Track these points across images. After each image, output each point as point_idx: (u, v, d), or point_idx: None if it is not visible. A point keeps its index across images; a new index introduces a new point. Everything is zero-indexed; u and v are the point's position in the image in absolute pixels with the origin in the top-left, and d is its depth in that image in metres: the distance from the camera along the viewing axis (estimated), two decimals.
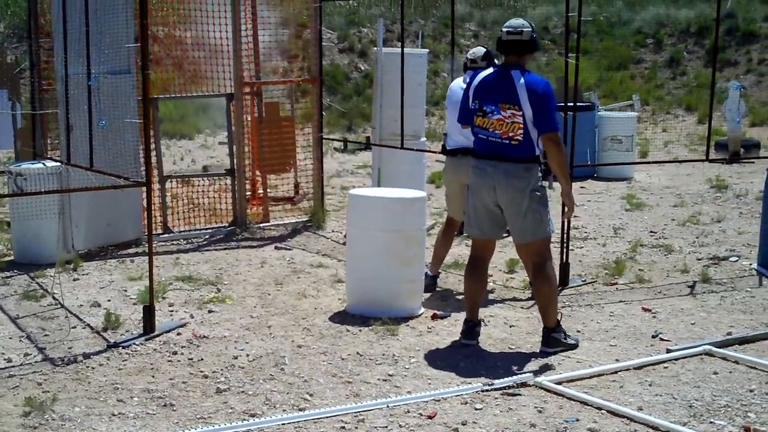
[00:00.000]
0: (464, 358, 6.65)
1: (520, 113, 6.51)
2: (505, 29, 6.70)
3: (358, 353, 6.68)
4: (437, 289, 8.51)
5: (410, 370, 6.37)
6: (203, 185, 11.86)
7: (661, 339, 7.16)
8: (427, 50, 12.96)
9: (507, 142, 6.58)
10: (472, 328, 6.94)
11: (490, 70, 6.80)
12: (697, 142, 19.55)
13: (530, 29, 6.67)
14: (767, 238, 9.40)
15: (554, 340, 6.81)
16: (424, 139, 11.68)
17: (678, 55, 26.76)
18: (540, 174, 6.68)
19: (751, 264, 9.53)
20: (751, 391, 6.04)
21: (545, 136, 6.53)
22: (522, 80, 6.55)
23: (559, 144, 6.59)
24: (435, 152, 12.31)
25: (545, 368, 6.45)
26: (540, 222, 6.68)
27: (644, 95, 23.73)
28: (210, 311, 7.70)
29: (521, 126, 6.53)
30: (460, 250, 9.71)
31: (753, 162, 16.36)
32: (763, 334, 7.20)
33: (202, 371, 6.28)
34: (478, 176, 6.75)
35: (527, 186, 6.58)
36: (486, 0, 28.33)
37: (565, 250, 8.75)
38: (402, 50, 10.38)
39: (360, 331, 7.20)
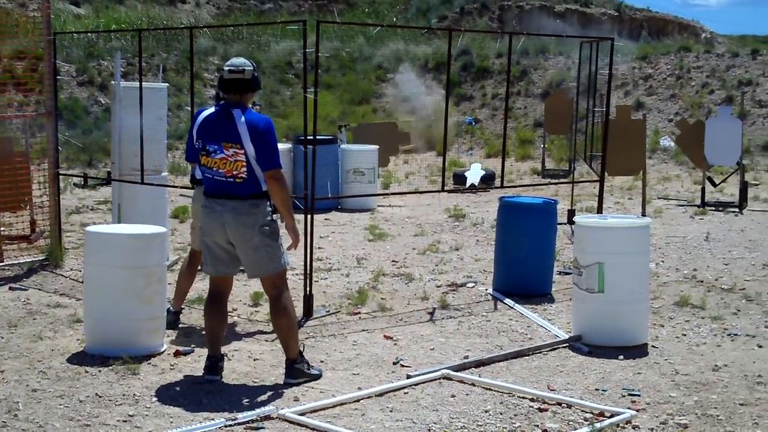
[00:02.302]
0: (207, 394, 6.57)
1: (243, 151, 6.55)
2: (226, 68, 6.72)
3: (97, 395, 6.47)
4: (180, 325, 8.38)
5: (152, 409, 6.22)
6: None
7: (402, 365, 7.33)
8: (167, 84, 12.82)
9: (232, 180, 6.61)
10: (215, 363, 6.87)
11: (213, 109, 6.79)
12: (436, 174, 20.16)
13: (252, 68, 6.73)
14: (502, 264, 9.85)
15: (297, 371, 6.84)
16: (166, 173, 11.52)
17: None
18: (270, 209, 6.71)
19: (486, 289, 9.93)
20: (486, 411, 6.27)
21: (267, 174, 6.60)
22: (243, 118, 6.59)
23: (281, 180, 6.66)
24: (177, 186, 12.20)
25: (289, 400, 6.46)
26: (273, 256, 6.71)
27: None
28: None
29: (244, 164, 6.56)
30: (204, 284, 9.57)
31: (488, 191, 17.09)
32: (497, 357, 7.49)
33: None
34: (207, 215, 6.73)
35: (256, 222, 6.61)
36: (229, 34, 28.31)
37: (308, 281, 8.82)
38: (140, 84, 10.21)
39: (99, 371, 6.97)
